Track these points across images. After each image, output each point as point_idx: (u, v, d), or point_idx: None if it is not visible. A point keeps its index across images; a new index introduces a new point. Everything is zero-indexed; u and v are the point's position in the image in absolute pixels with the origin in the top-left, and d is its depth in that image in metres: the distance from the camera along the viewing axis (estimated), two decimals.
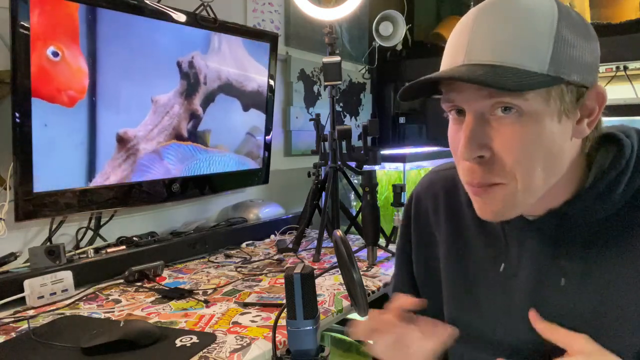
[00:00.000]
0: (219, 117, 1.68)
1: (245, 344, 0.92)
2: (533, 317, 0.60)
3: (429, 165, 2.13)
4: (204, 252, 1.59)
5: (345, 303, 1.16)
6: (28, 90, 1.14)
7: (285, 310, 0.64)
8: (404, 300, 0.67)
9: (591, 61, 0.55)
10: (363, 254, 1.52)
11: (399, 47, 2.57)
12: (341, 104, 2.55)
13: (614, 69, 2.20)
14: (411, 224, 0.80)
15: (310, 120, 1.85)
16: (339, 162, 1.75)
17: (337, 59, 1.68)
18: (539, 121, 0.53)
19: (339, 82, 1.70)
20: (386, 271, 1.40)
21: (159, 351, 0.89)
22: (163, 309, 1.12)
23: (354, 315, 0.71)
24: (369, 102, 2.78)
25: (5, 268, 1.19)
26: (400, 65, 2.72)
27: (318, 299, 0.67)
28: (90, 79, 1.28)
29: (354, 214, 1.81)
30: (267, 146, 1.93)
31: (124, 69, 1.36)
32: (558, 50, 0.52)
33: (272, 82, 1.89)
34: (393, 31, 2.43)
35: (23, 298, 1.12)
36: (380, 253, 1.54)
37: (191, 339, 0.94)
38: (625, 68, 2.18)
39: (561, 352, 0.56)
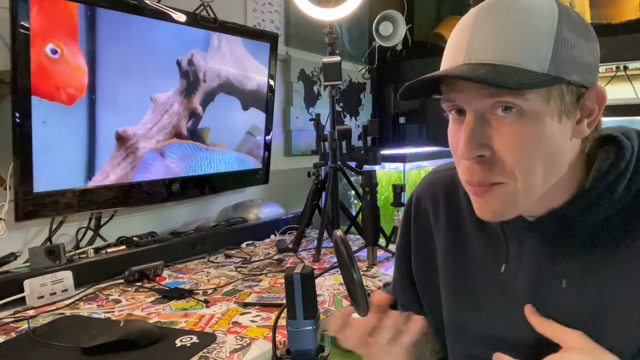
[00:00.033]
0: (219, 116, 1.68)
1: (245, 344, 0.92)
2: (529, 311, 0.61)
3: (429, 165, 2.13)
4: (204, 252, 1.60)
5: (345, 303, 1.16)
6: (28, 90, 1.14)
7: (285, 310, 0.64)
8: (379, 297, 0.67)
9: (591, 61, 0.56)
10: (363, 254, 1.52)
11: (399, 47, 2.57)
12: (341, 104, 2.55)
13: (614, 69, 2.19)
14: (411, 224, 0.80)
15: (310, 120, 1.85)
16: (339, 162, 1.75)
17: (337, 59, 1.68)
18: (540, 121, 0.53)
19: (339, 82, 1.70)
20: (386, 271, 1.40)
21: (159, 351, 0.90)
22: (163, 309, 1.12)
23: (354, 315, 0.71)
24: (369, 102, 2.78)
25: (5, 268, 1.19)
26: (400, 65, 2.72)
27: (318, 299, 0.67)
28: (90, 77, 1.28)
29: (354, 214, 1.81)
30: (267, 146, 1.93)
31: (123, 68, 1.36)
32: (558, 50, 0.52)
33: (272, 82, 1.89)
34: (393, 31, 2.43)
35: (23, 298, 1.12)
36: (380, 253, 1.54)
37: (191, 339, 0.94)
38: (625, 68, 2.17)
39: (557, 349, 0.56)
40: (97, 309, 1.12)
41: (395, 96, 2.78)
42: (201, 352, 0.89)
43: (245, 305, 1.14)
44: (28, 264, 1.22)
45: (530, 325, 0.61)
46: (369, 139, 1.78)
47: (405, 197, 1.63)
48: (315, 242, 1.59)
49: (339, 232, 0.62)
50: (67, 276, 1.19)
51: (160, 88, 1.47)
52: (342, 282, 0.79)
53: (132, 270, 1.30)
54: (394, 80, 2.79)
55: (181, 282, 1.32)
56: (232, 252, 1.62)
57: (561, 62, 0.52)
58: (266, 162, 1.94)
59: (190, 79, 1.55)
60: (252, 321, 1.04)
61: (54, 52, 1.18)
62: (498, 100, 0.53)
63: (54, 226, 1.34)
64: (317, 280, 1.08)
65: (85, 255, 1.33)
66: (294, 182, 2.16)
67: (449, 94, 0.57)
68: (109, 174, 1.36)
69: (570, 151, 0.58)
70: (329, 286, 1.27)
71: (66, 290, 1.18)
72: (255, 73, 1.81)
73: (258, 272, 1.40)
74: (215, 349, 0.90)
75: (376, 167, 1.82)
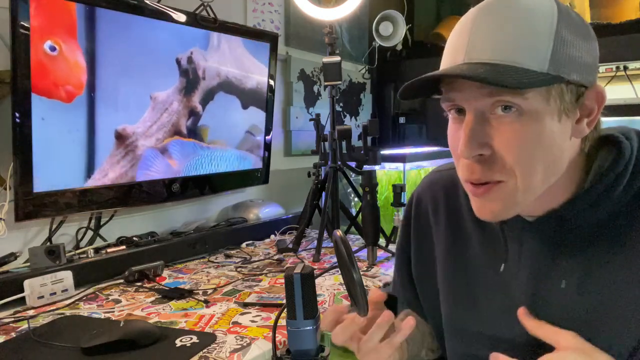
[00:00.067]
0: (218, 115, 1.68)
1: (245, 344, 0.92)
2: (522, 314, 0.61)
3: (429, 165, 2.13)
4: (204, 252, 1.59)
5: (345, 303, 1.16)
6: (28, 90, 1.14)
7: (285, 310, 0.64)
8: (375, 295, 0.67)
9: (590, 61, 0.56)
10: (363, 254, 1.52)
11: (399, 47, 2.57)
12: (341, 104, 2.55)
13: (614, 69, 2.19)
14: (411, 224, 0.80)
15: (310, 120, 1.85)
16: (339, 162, 1.75)
17: (337, 59, 1.68)
18: (539, 120, 0.53)
19: (339, 82, 1.70)
20: (386, 271, 1.40)
21: (159, 351, 0.89)
22: (163, 309, 1.12)
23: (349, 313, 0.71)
24: (369, 102, 2.78)
25: (5, 268, 1.19)
26: (400, 65, 2.72)
27: (318, 299, 0.67)
28: (89, 75, 1.28)
29: (354, 214, 1.81)
30: (267, 146, 1.93)
31: (122, 66, 1.36)
32: (558, 50, 0.52)
33: (272, 82, 1.89)
34: (393, 31, 2.43)
35: (23, 298, 1.12)
36: (380, 253, 1.54)
37: (191, 339, 0.94)
38: (625, 68, 2.17)
39: (554, 348, 0.56)
40: (97, 309, 1.12)
41: (395, 96, 2.78)
42: (201, 352, 0.88)
43: (245, 305, 1.14)
44: (28, 264, 1.22)
45: None
46: (369, 139, 1.78)
47: (405, 197, 1.63)
48: (315, 242, 1.59)
49: (339, 232, 0.62)
50: (67, 276, 1.19)
51: (160, 86, 1.47)
52: (342, 282, 0.79)
53: (132, 270, 1.30)
54: (394, 80, 2.79)
55: (181, 282, 1.32)
56: (232, 252, 1.62)
57: (560, 62, 0.52)
58: (266, 162, 1.94)
59: (189, 77, 1.55)
60: (252, 321, 1.04)
61: (53, 49, 1.18)
62: (498, 100, 0.53)
63: (54, 226, 1.34)
64: (317, 280, 1.08)
65: (85, 255, 1.33)
66: (294, 182, 2.16)
67: (448, 94, 0.57)
68: (108, 172, 1.36)
69: (570, 150, 0.58)
70: (329, 286, 1.27)
71: (66, 290, 1.18)
72: (255, 73, 1.81)
73: (258, 272, 1.40)
74: (215, 349, 0.90)
75: (376, 167, 1.82)
